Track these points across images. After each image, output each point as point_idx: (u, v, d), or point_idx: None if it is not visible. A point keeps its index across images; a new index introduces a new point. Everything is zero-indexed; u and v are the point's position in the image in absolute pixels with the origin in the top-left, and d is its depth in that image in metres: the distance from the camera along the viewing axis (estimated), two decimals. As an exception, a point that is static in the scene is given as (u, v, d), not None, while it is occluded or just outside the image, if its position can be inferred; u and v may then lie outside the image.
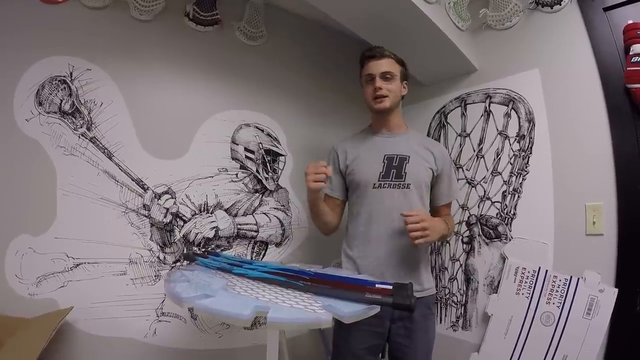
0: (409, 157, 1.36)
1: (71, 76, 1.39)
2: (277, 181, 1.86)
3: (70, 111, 1.38)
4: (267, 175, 1.82)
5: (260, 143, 1.81)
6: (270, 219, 1.80)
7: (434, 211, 1.46)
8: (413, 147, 1.39)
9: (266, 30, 1.85)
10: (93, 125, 1.42)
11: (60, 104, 1.37)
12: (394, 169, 1.36)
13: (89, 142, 1.40)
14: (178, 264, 1.55)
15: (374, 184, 1.36)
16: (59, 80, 1.37)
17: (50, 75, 1.36)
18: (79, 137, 1.39)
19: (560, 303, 1.40)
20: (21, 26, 1.33)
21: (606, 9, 1.39)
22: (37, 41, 1.35)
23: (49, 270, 1.30)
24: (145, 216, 1.50)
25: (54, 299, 1.30)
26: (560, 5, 1.48)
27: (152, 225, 1.51)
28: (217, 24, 1.71)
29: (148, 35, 1.56)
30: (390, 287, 0.92)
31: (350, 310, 0.78)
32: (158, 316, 1.49)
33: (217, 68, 1.72)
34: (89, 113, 1.41)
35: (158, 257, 1.51)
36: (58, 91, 1.37)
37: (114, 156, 1.44)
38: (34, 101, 1.32)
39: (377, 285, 0.94)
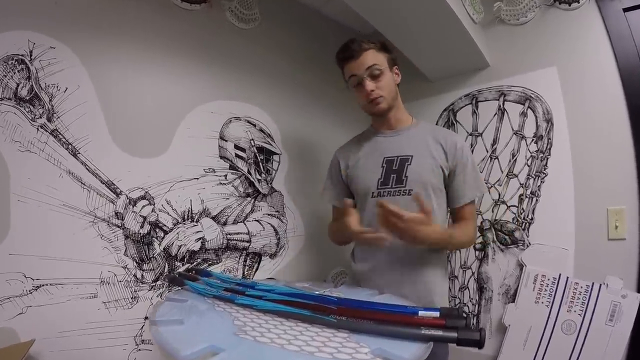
0: (412, 157, 1.31)
1: (31, 55, 1.24)
2: (270, 184, 1.79)
3: (27, 97, 1.23)
4: (260, 177, 1.75)
5: (252, 140, 1.74)
6: (263, 227, 1.73)
7: (451, 214, 1.40)
8: (419, 143, 1.33)
9: (259, 14, 1.78)
10: (55, 114, 1.27)
11: (17, 88, 1.21)
12: (394, 174, 1.31)
13: (50, 135, 1.25)
14: (159, 282, 1.44)
15: (373, 193, 1.33)
16: (16, 60, 1.21)
17: (6, 53, 1.19)
18: (38, 129, 1.23)
19: (582, 311, 1.48)
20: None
21: (626, 10, 1.50)
22: (-9, 12, 1.18)
23: (4, 294, 1.14)
24: (118, 226, 1.36)
25: (12, 328, 1.14)
26: (579, 3, 1.58)
27: (126, 237, 1.38)
28: (206, 2, 1.62)
29: (125, 10, 1.44)
30: (437, 313, 0.85)
31: (411, 356, 0.68)
32: (137, 344, 1.37)
33: (203, 52, 1.63)
34: (50, 100, 1.26)
35: (135, 276, 1.38)
36: (14, 73, 1.21)
37: (80, 153, 1.30)
38: (-16, 85, 1.16)
39: (420, 313, 0.86)
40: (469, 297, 1.78)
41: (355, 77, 1.31)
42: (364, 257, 1.35)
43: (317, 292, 1.05)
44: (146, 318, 1.39)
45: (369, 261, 1.33)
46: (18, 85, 1.21)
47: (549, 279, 1.56)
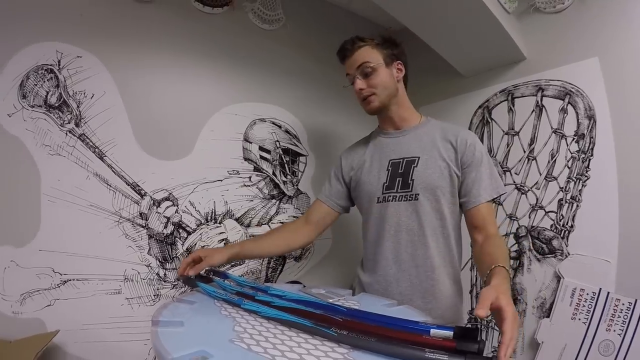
0: (418, 158, 1.24)
1: (59, 64, 1.35)
2: (296, 185, 1.83)
3: (56, 104, 1.34)
4: (285, 179, 1.78)
5: (278, 141, 1.78)
6: (288, 230, 1.76)
7: (466, 219, 1.26)
8: (427, 143, 1.26)
9: (283, 14, 1.81)
10: (82, 120, 1.38)
11: (46, 96, 1.33)
12: (400, 177, 1.25)
13: (78, 139, 1.36)
14: (180, 282, 1.51)
15: (378, 198, 1.29)
16: (46, 70, 1.33)
17: (37, 63, 1.32)
18: (66, 134, 1.35)
19: (622, 330, 1.36)
20: (3, 8, 1.28)
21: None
22: (22, 25, 1.30)
23: (33, 287, 1.26)
24: (143, 226, 1.46)
25: (40, 318, 1.26)
26: (620, -14, 1.44)
27: (150, 237, 1.47)
28: (228, 4, 1.67)
29: (148, 17, 1.52)
30: (451, 333, 0.77)
31: None
32: (158, 341, 1.45)
33: (227, 55, 1.69)
34: (77, 106, 1.37)
35: (157, 274, 1.47)
36: (44, 82, 1.33)
37: (106, 156, 1.40)
38: (17, 94, 1.28)
39: (432, 332, 0.78)
40: (502, 308, 1.69)
41: (350, 75, 1.31)
42: (373, 269, 1.32)
43: (329, 301, 1.04)
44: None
45: (378, 274, 1.30)
46: (48, 93, 1.33)
47: (587, 294, 1.44)
